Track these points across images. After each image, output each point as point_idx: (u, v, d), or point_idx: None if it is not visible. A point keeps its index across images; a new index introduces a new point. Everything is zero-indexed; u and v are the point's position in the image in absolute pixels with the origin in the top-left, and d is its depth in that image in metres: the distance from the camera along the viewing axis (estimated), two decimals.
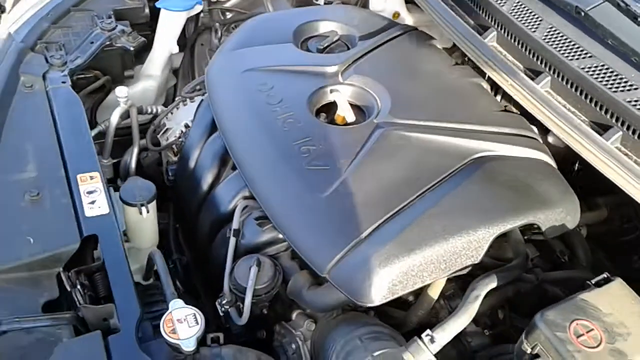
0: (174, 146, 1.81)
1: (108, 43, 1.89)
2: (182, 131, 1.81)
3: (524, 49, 1.49)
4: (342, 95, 1.54)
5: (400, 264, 1.17)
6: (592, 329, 1.05)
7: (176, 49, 2.12)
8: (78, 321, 1.16)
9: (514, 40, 1.51)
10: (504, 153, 1.40)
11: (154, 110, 1.97)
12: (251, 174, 1.41)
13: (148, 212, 1.43)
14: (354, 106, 1.55)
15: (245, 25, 1.85)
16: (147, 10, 2.08)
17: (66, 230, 1.28)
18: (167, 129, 1.87)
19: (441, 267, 1.21)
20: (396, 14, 2.13)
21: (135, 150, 1.84)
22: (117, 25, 1.93)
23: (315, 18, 1.83)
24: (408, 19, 2.15)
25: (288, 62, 1.65)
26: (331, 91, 1.55)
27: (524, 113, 1.52)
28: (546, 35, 1.44)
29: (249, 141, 1.47)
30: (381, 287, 1.16)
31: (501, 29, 1.55)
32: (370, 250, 1.19)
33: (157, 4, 2.07)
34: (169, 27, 2.09)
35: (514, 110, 1.59)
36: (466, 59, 1.69)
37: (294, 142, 1.40)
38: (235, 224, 1.37)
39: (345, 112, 1.50)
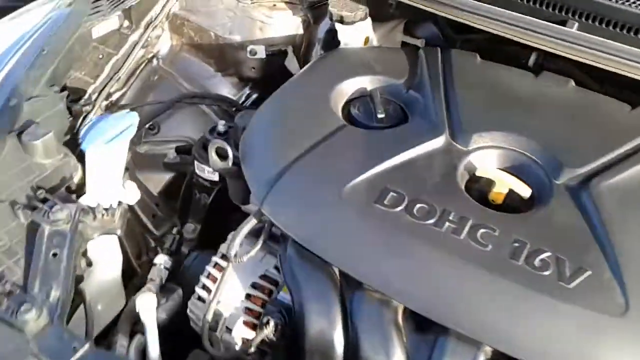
0: None
1: None
2: None
3: None
4: (489, 166, 1.18)
5: None
6: None
7: None
8: None
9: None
10: None
11: None
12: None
13: None
14: (506, 173, 1.19)
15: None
16: None
17: None
18: None
19: None
20: (367, 39, 1.76)
21: None
22: None
23: (339, 81, 1.39)
24: (375, 39, 1.81)
25: (376, 157, 1.19)
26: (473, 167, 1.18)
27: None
28: None
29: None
30: None
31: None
32: None
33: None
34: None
35: None
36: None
37: (492, 249, 1.01)
38: None
39: (513, 186, 1.15)
